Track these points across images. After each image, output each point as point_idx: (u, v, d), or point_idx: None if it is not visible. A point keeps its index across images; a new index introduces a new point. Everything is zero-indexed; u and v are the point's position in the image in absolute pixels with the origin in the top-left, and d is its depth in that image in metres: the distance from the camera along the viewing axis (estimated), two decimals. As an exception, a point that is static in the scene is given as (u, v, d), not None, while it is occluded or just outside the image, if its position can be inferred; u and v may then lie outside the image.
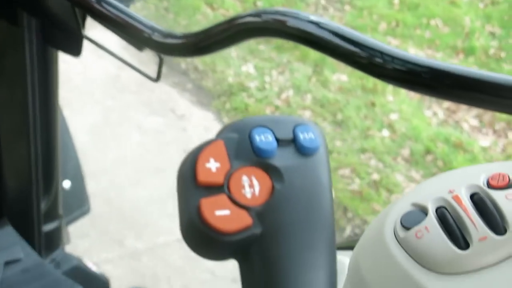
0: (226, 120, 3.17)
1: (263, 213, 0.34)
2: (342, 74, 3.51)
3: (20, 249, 1.32)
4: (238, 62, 3.65)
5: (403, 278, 0.49)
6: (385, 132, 3.13)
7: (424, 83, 0.59)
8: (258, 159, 0.35)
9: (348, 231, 2.54)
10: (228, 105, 3.31)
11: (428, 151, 3.02)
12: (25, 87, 1.24)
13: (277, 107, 3.28)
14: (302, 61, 3.63)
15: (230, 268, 2.23)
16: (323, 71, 3.52)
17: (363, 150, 2.99)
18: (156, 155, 2.87)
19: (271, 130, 0.36)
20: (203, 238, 0.33)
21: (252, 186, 0.34)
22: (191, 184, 0.34)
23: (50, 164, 1.41)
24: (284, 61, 3.66)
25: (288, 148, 0.36)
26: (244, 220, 0.33)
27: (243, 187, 0.34)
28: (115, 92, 3.28)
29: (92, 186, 2.44)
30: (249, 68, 3.61)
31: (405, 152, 3.01)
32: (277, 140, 0.36)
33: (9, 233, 1.35)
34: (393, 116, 3.24)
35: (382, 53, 0.61)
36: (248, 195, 0.34)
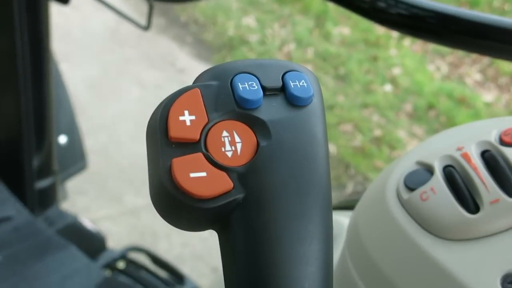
0: (227, 75, 3.12)
1: (246, 175, 0.29)
2: (344, 27, 3.45)
3: (12, 207, 1.29)
4: (239, 15, 3.58)
5: (406, 244, 0.45)
6: (388, 87, 3.08)
7: (430, 29, 0.55)
8: (241, 111, 0.30)
9: (349, 188, 2.51)
10: (228, 59, 3.25)
11: (431, 106, 2.98)
12: (12, 36, 1.19)
13: (278, 61, 3.23)
14: (304, 14, 3.56)
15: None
16: (325, 24, 3.46)
17: (365, 105, 2.95)
18: (156, 110, 2.83)
19: (257, 77, 0.31)
20: (175, 205, 0.28)
21: (233, 143, 0.29)
22: (162, 141, 0.29)
23: (43, 118, 1.37)
24: (286, 13, 3.59)
25: (276, 98, 0.31)
26: (224, 183, 0.28)
27: (223, 144, 0.29)
28: (114, 46, 3.23)
29: (90, 142, 2.41)
30: (250, 20, 3.54)
31: (408, 107, 2.97)
32: (263, 88, 0.31)
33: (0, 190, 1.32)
34: (396, 71, 3.19)
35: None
36: (229, 154, 0.29)
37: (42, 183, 1.41)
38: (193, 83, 0.31)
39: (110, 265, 1.38)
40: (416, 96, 3.03)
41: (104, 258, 1.39)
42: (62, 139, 1.58)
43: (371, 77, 3.14)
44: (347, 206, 0.75)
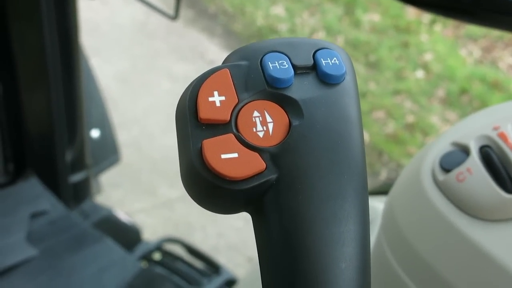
0: (257, 65, 3.11)
1: (279, 156, 0.28)
2: (374, 14, 3.42)
3: (46, 201, 1.30)
4: (268, 4, 3.57)
5: (442, 226, 0.44)
6: (420, 73, 3.05)
7: (463, 8, 0.54)
8: (272, 91, 0.29)
9: (383, 175, 2.49)
10: (258, 49, 3.24)
11: (463, 91, 2.94)
12: (41, 31, 1.20)
13: (308, 50, 3.21)
14: (333, 2, 3.54)
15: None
16: (355, 11, 3.43)
17: (397, 92, 2.92)
18: (186, 102, 2.83)
19: (287, 56, 0.30)
20: (207, 187, 0.28)
21: (264, 123, 0.28)
22: (192, 122, 0.28)
23: (74, 112, 1.38)
24: (315, 2, 3.57)
25: (307, 76, 0.29)
26: (256, 164, 0.27)
27: (254, 124, 0.28)
28: (144, 39, 3.24)
29: (123, 136, 2.42)
30: (279, 10, 3.53)
31: (440, 92, 2.93)
32: (294, 67, 0.29)
33: (34, 184, 1.33)
34: (428, 56, 3.15)
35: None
36: (260, 134, 0.28)
37: (76, 177, 1.43)
38: (222, 63, 0.31)
39: (146, 257, 1.39)
40: (448, 81, 2.99)
41: (140, 250, 1.40)
42: (95, 133, 1.59)
43: (402, 64, 3.11)
44: (381, 191, 0.74)
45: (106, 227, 1.39)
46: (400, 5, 3.44)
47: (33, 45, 1.23)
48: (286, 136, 0.28)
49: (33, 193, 1.31)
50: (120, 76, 2.94)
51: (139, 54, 3.13)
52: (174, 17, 0.97)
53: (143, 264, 1.36)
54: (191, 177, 0.28)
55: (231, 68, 0.30)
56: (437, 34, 3.29)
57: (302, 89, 0.29)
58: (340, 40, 3.27)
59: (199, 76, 0.30)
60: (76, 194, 1.44)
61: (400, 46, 3.23)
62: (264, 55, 0.30)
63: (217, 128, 0.28)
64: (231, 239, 2.10)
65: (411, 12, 3.40)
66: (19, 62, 1.24)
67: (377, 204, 0.69)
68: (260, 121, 0.29)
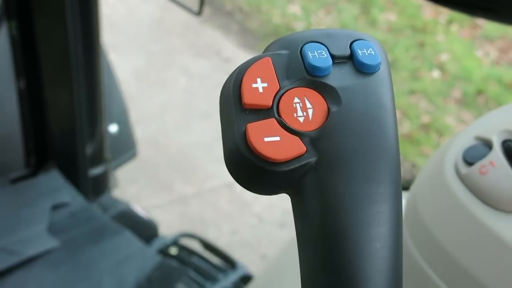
0: (272, 63, 3.12)
1: (318, 140, 0.29)
2: (391, 13, 3.42)
3: (67, 193, 1.32)
4: (284, 2, 3.58)
5: (466, 218, 0.45)
6: (436, 73, 3.04)
7: (485, 6, 0.54)
8: (311, 79, 0.30)
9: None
10: (274, 48, 3.25)
11: (480, 92, 2.93)
12: (65, 27, 1.22)
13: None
14: (349, 1, 3.54)
15: (278, 213, 2.22)
16: (371, 10, 3.43)
17: (413, 92, 2.92)
18: (202, 99, 2.85)
19: (325, 46, 0.31)
20: (251, 168, 0.29)
21: (305, 109, 0.30)
22: (236, 107, 0.30)
23: (95, 107, 1.40)
24: (331, 0, 3.57)
25: (344, 65, 0.31)
26: (297, 147, 0.29)
27: (295, 110, 0.30)
28: (160, 36, 3.26)
29: (139, 131, 2.44)
30: (295, 8, 3.53)
31: (456, 93, 2.93)
32: (332, 56, 0.31)
33: (55, 177, 1.35)
34: (444, 56, 3.15)
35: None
36: (301, 120, 0.30)
37: (95, 171, 1.45)
38: (264, 52, 0.32)
39: (163, 251, 1.41)
40: (464, 82, 2.98)
41: (156, 244, 1.42)
42: (113, 128, 1.61)
43: (418, 64, 3.11)
44: (403, 187, 0.75)
45: (124, 221, 1.41)
46: (417, 4, 3.44)
47: (57, 41, 1.25)
48: (325, 122, 0.30)
49: (54, 185, 1.33)
50: (137, 72, 2.96)
51: (155, 50, 3.15)
52: (198, 12, 0.99)
53: (160, 258, 1.37)
54: (236, 159, 0.30)
55: (272, 57, 0.31)
56: (454, 34, 3.28)
57: (340, 78, 0.31)
58: (356, 39, 3.27)
59: (242, 64, 0.31)
60: (95, 187, 1.46)
61: (416, 46, 3.22)
62: (304, 44, 0.31)
63: (260, 113, 0.30)
64: (245, 236, 2.11)
65: (428, 12, 3.39)
66: (43, 57, 1.26)
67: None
68: (301, 107, 0.30)
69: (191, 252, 1.45)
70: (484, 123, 0.49)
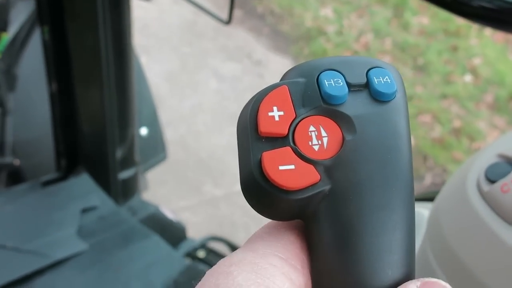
0: (303, 66, 3.11)
1: (332, 168, 0.30)
2: (423, 17, 3.39)
3: (97, 197, 1.34)
4: (316, 5, 3.57)
5: (487, 235, 0.45)
6: (468, 77, 3.01)
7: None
8: (327, 107, 0.31)
9: (428, 180, 2.47)
10: (306, 50, 3.25)
11: (513, 97, 2.90)
12: (96, 32, 1.24)
13: (355, 52, 3.20)
14: (382, 4, 3.52)
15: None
16: (404, 13, 3.41)
17: (444, 96, 2.89)
18: (233, 102, 2.86)
19: (342, 74, 0.32)
20: (265, 196, 0.30)
21: (320, 137, 0.30)
22: (252, 135, 0.30)
23: (125, 111, 1.41)
24: (364, 4, 3.56)
25: (360, 93, 0.31)
26: (311, 176, 0.29)
27: (310, 138, 0.30)
28: (192, 38, 3.28)
29: (170, 133, 2.46)
30: (327, 11, 3.53)
31: (489, 97, 2.90)
32: (348, 84, 0.31)
33: (85, 180, 1.37)
34: (476, 61, 3.11)
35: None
36: (316, 148, 0.30)
37: (125, 174, 1.46)
38: (281, 79, 0.32)
39: (191, 254, 1.42)
40: (497, 87, 2.95)
41: (184, 247, 1.43)
42: (143, 131, 1.62)
43: (450, 68, 3.08)
44: (427, 197, 0.74)
45: (152, 224, 1.42)
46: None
47: (88, 45, 1.27)
48: (339, 150, 0.30)
49: (84, 189, 1.35)
50: (169, 74, 2.98)
51: (187, 53, 3.17)
52: (227, 21, 0.99)
53: (188, 261, 1.38)
54: (251, 186, 0.30)
55: (289, 85, 0.31)
56: (487, 38, 3.25)
57: (355, 106, 0.31)
58: (388, 43, 3.26)
59: (259, 92, 0.32)
60: (125, 191, 1.47)
61: (449, 50, 3.20)
62: (321, 73, 0.32)
63: (275, 141, 0.30)
64: (274, 239, 2.12)
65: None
66: (75, 61, 1.28)
67: (422, 211, 0.70)
68: (316, 136, 0.30)
69: (219, 255, 1.46)
70: (507, 141, 0.49)
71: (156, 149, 1.69)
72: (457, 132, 2.68)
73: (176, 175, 2.40)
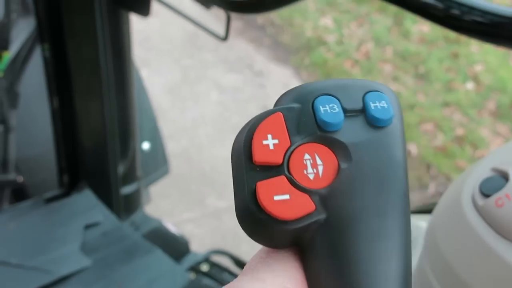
0: (305, 76, 3.13)
1: (327, 198, 0.29)
2: (424, 25, 3.40)
3: (99, 213, 1.34)
4: (316, 15, 3.58)
5: (482, 249, 0.45)
6: (470, 85, 3.02)
7: (508, 35, 0.54)
8: (322, 134, 0.30)
9: (431, 189, 2.47)
10: (306, 60, 3.26)
11: (515, 103, 2.90)
12: (96, 48, 1.25)
13: (356, 61, 3.21)
14: (382, 12, 3.53)
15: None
16: (404, 22, 3.42)
17: (446, 104, 2.89)
18: (235, 113, 2.87)
19: (338, 99, 0.31)
20: (260, 226, 0.30)
21: (315, 165, 0.30)
22: (247, 164, 0.30)
23: (126, 125, 1.42)
24: (363, 12, 3.57)
25: (356, 119, 0.31)
26: (306, 205, 0.29)
27: (305, 167, 0.30)
28: (193, 50, 3.29)
29: (172, 146, 2.46)
30: (327, 21, 3.54)
31: (491, 105, 2.90)
32: (344, 110, 0.31)
33: (87, 196, 1.37)
34: (478, 68, 3.12)
35: (459, 4, 0.56)
36: (311, 177, 0.30)
37: (127, 189, 1.47)
38: (275, 105, 0.32)
39: (194, 268, 1.42)
40: (499, 93, 2.95)
41: (188, 261, 1.43)
42: (145, 146, 1.63)
43: (452, 75, 3.08)
44: (426, 210, 0.75)
45: (155, 238, 1.42)
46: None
47: (88, 60, 1.28)
48: (335, 178, 0.30)
49: (86, 205, 1.35)
50: (170, 86, 2.99)
51: (188, 65, 3.18)
52: (224, 38, 1.00)
53: (191, 275, 1.38)
54: (246, 216, 0.30)
55: (284, 112, 0.31)
56: (488, 45, 3.25)
57: (351, 133, 0.31)
58: (388, 51, 3.26)
59: (253, 119, 0.31)
60: (127, 206, 1.48)
61: (450, 57, 3.20)
62: (316, 98, 0.31)
63: (270, 170, 0.30)
64: (278, 250, 2.11)
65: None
66: (75, 77, 1.29)
67: (420, 223, 0.70)
68: (311, 164, 0.30)
69: (222, 269, 1.46)
70: (501, 154, 0.49)
71: (158, 163, 1.70)
72: (460, 140, 2.68)
73: (179, 188, 2.40)
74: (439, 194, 2.40)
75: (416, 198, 2.37)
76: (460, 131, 2.73)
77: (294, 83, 3.08)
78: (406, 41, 3.33)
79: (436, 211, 0.53)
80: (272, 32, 3.50)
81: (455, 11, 0.56)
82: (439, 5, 0.57)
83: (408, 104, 2.85)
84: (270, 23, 3.56)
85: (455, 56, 3.20)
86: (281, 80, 3.13)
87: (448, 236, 0.49)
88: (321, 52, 3.30)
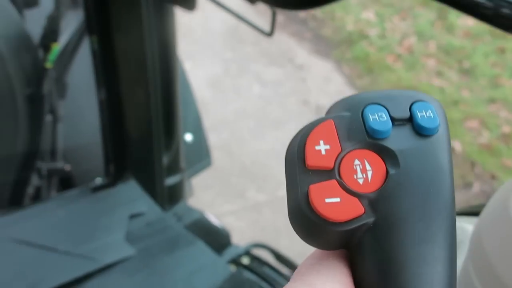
0: (346, 70, 3.12)
1: (376, 201, 0.31)
2: (468, 19, 3.35)
3: (144, 203, 1.37)
4: (358, 9, 3.56)
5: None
6: (516, 80, 2.97)
7: None
8: (371, 141, 0.32)
9: (476, 187, 2.44)
10: (348, 54, 3.25)
11: None
12: (142, 40, 1.27)
13: (399, 56, 3.18)
14: (425, 6, 3.49)
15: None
16: (448, 15, 3.38)
17: (492, 100, 2.85)
18: (276, 106, 2.87)
19: (386, 108, 0.33)
20: (312, 227, 0.31)
21: (364, 171, 0.32)
22: (300, 168, 0.32)
23: (171, 118, 1.44)
24: (406, 6, 3.54)
25: (404, 128, 0.32)
26: (356, 208, 0.31)
27: (355, 172, 0.31)
28: (235, 44, 3.30)
29: (213, 139, 2.48)
30: (369, 14, 3.51)
31: (539, 101, 2.85)
32: (392, 119, 0.32)
33: (133, 187, 1.40)
34: (525, 62, 3.06)
35: (509, 3, 0.55)
36: (360, 181, 0.31)
37: (171, 180, 1.49)
38: (326, 113, 0.34)
39: (235, 261, 1.43)
40: (548, 89, 2.90)
41: (229, 254, 1.44)
42: (188, 137, 1.64)
43: (498, 70, 3.03)
44: (473, 212, 0.74)
45: (197, 229, 1.44)
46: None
47: (134, 52, 1.30)
48: (383, 183, 0.31)
49: (131, 195, 1.38)
50: (212, 79, 3.01)
51: (230, 58, 3.20)
52: (270, 33, 1.01)
53: (232, 268, 1.39)
54: (298, 217, 0.32)
55: (335, 119, 0.33)
56: (536, 41, 3.19)
57: (399, 140, 0.32)
58: (432, 46, 3.23)
59: (306, 126, 0.33)
60: (171, 197, 1.50)
61: (496, 52, 3.15)
62: (365, 107, 0.33)
63: (322, 174, 0.31)
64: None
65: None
66: (122, 67, 1.31)
67: (466, 226, 0.70)
68: (360, 169, 0.32)
69: (262, 262, 1.47)
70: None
71: (200, 155, 1.71)
72: (506, 137, 2.64)
73: (220, 180, 2.42)
74: (484, 193, 2.38)
75: (460, 197, 2.34)
76: (506, 129, 2.68)
77: (335, 77, 3.07)
78: (450, 35, 3.29)
79: (483, 214, 0.53)
80: (313, 26, 3.50)
81: (505, 10, 0.56)
82: (489, 4, 0.57)
83: (452, 100, 2.81)
84: (312, 17, 3.55)
85: (502, 51, 3.15)
86: (322, 74, 3.12)
87: (494, 240, 0.49)
88: (363, 46, 3.28)
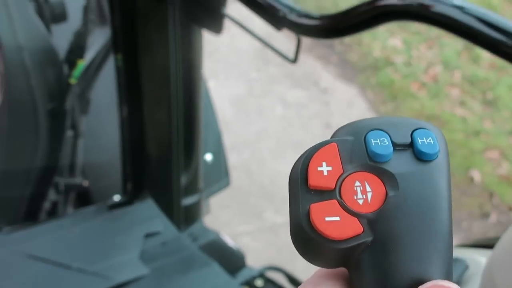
0: (370, 96, 3.12)
1: (375, 221, 0.32)
2: (495, 50, 3.33)
3: (160, 222, 1.37)
4: (385, 35, 3.57)
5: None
6: (540, 113, 2.95)
7: None
8: (372, 164, 0.33)
9: (493, 218, 2.42)
10: (373, 80, 3.25)
11: None
12: (167, 61, 1.28)
13: (423, 84, 3.18)
14: (452, 36, 3.48)
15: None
16: (474, 47, 3.36)
17: (514, 132, 2.83)
18: (298, 128, 2.88)
19: (388, 134, 0.34)
20: (311, 244, 0.33)
21: (364, 192, 0.33)
22: (302, 187, 0.33)
23: (192, 138, 1.44)
24: (434, 35, 3.53)
25: (404, 153, 0.34)
26: (355, 227, 0.32)
27: (355, 193, 0.33)
28: (260, 64, 3.32)
29: (234, 159, 2.49)
30: (396, 41, 3.51)
31: (561, 136, 2.82)
32: (393, 144, 0.34)
33: (149, 206, 1.40)
34: (550, 96, 3.04)
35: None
36: (360, 202, 0.33)
37: (188, 200, 1.49)
38: (331, 137, 0.35)
39: (249, 283, 1.43)
40: None
41: (243, 276, 1.44)
42: (208, 157, 1.65)
43: (521, 103, 3.02)
44: (487, 244, 0.74)
45: (212, 250, 1.44)
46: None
47: (159, 72, 1.31)
48: (382, 205, 0.32)
49: (148, 214, 1.38)
50: (235, 99, 3.02)
51: (254, 78, 3.21)
52: (294, 60, 1.02)
53: (246, 290, 1.39)
54: (299, 235, 0.33)
55: (338, 143, 0.34)
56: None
57: (399, 164, 0.33)
58: (457, 76, 3.22)
59: (310, 148, 0.34)
60: (187, 217, 1.50)
61: (520, 85, 3.13)
62: (368, 132, 0.34)
63: (323, 194, 0.33)
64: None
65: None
66: (145, 86, 1.32)
67: (480, 259, 0.69)
68: (361, 190, 0.33)
69: (276, 285, 1.46)
70: None
71: (219, 176, 1.72)
72: (526, 170, 2.62)
73: (238, 200, 2.42)
74: (500, 223, 2.36)
75: (477, 227, 2.33)
76: (527, 161, 2.67)
77: (358, 102, 3.07)
78: (476, 66, 3.28)
79: (496, 249, 0.52)
80: (340, 50, 3.50)
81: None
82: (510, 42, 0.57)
83: (474, 130, 2.80)
84: (339, 41, 3.56)
85: (526, 83, 3.13)
86: (346, 98, 3.12)
87: (505, 278, 0.49)
88: (388, 72, 3.28)
